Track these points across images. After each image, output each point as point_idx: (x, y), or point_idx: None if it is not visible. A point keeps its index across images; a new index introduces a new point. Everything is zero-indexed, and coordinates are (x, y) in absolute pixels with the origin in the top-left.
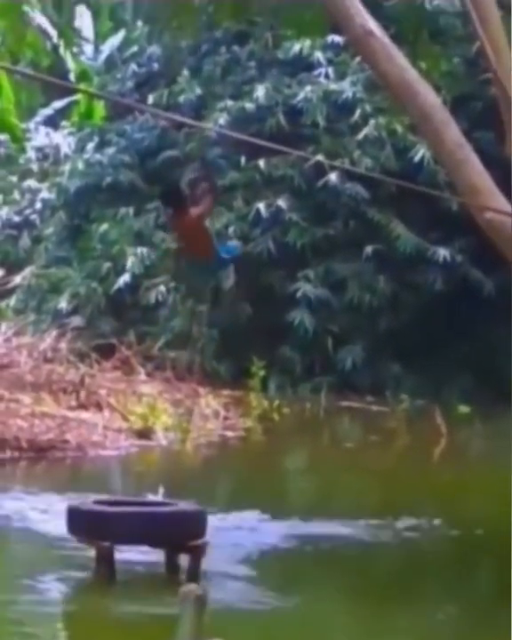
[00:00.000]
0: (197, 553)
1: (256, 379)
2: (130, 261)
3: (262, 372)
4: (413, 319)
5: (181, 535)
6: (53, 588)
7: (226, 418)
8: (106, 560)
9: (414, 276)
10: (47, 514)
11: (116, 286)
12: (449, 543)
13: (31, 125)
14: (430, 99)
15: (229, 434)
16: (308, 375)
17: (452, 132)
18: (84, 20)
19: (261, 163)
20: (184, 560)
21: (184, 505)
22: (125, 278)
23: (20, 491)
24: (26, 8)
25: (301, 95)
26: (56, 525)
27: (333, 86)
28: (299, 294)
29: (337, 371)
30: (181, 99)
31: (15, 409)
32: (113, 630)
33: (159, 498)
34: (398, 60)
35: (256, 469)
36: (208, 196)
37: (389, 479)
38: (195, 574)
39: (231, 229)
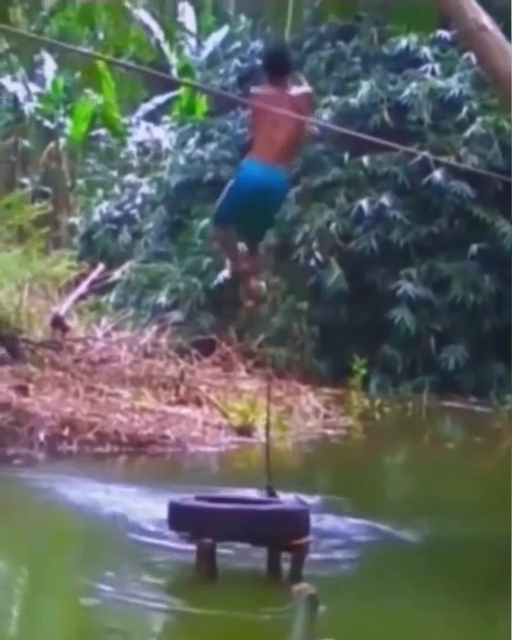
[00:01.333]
0: (300, 552)
1: (357, 377)
2: None
3: (363, 371)
4: None
5: (284, 534)
6: (153, 584)
7: (326, 416)
8: (207, 557)
9: None
10: (148, 508)
11: (215, 282)
12: None
13: (132, 120)
14: None
15: (330, 432)
16: (409, 374)
17: None
18: (186, 15)
19: (365, 159)
20: (286, 559)
21: (287, 503)
22: (225, 274)
23: (120, 485)
24: (128, 4)
25: (407, 91)
26: (157, 520)
27: (440, 83)
28: (399, 292)
29: (439, 370)
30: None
31: (115, 403)
32: (215, 628)
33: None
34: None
35: (357, 469)
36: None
37: (492, 482)
38: (297, 574)
39: (333, 226)
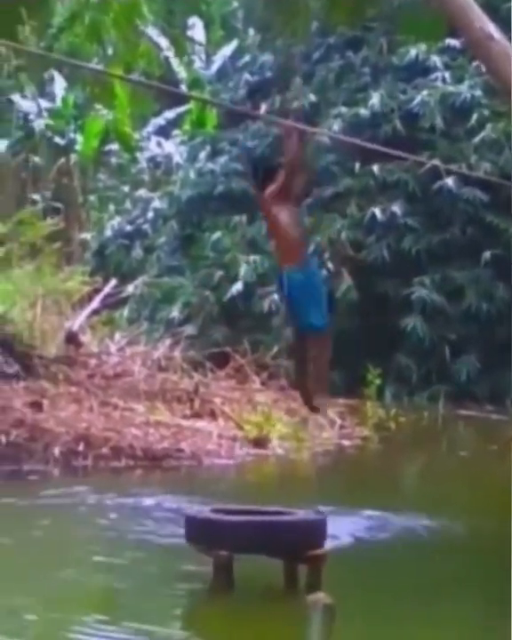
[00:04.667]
0: (317, 563)
1: (372, 387)
2: (242, 269)
3: (378, 381)
4: None
5: (300, 545)
6: (171, 598)
7: (342, 426)
8: (224, 570)
9: None
10: (164, 522)
11: (228, 294)
12: None
13: (143, 135)
14: None
15: (346, 443)
16: (424, 383)
17: None
18: (196, 29)
19: (375, 168)
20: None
21: (303, 514)
22: (238, 286)
23: (135, 499)
24: (137, 21)
25: (418, 99)
26: (174, 534)
27: (451, 88)
28: (414, 298)
29: (454, 379)
30: (294, 105)
31: (130, 418)
32: None
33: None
34: None
35: (373, 479)
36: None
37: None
38: (314, 584)
39: (344, 236)
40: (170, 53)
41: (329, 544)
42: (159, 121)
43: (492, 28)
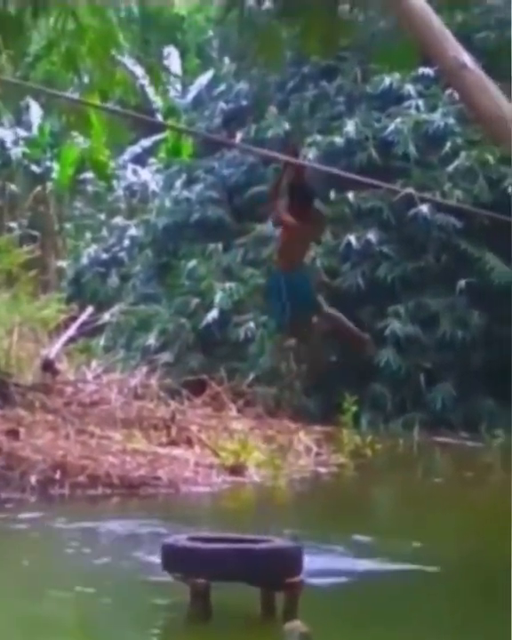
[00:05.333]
0: (293, 591)
1: (348, 414)
2: (218, 297)
3: (354, 408)
4: (507, 353)
5: (277, 572)
6: (148, 627)
7: (318, 454)
8: (201, 597)
9: (508, 309)
10: (140, 550)
11: (204, 322)
12: None
13: (119, 163)
14: None
15: (322, 470)
16: (399, 411)
17: None
18: (171, 58)
19: (350, 196)
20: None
21: (280, 542)
22: (214, 314)
23: (112, 527)
24: (113, 51)
25: (392, 126)
26: (150, 562)
27: (424, 116)
28: (387, 332)
29: (430, 406)
30: (269, 134)
31: (106, 445)
32: None
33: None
34: (492, 93)
35: (350, 506)
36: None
37: (486, 518)
38: (291, 612)
39: (318, 262)
40: (145, 82)
41: (305, 571)
42: (135, 149)
43: (466, 57)
